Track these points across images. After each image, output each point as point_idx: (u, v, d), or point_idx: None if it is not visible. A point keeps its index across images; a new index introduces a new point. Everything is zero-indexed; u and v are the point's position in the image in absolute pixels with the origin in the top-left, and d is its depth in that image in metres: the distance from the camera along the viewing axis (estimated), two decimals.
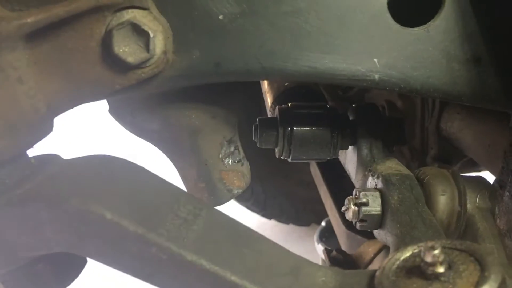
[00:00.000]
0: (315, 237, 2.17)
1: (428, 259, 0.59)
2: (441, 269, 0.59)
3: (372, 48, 0.83)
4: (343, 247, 1.65)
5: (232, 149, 1.12)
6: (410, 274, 0.62)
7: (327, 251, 1.54)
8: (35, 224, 0.72)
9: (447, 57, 0.83)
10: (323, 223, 2.22)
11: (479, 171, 1.74)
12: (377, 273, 0.65)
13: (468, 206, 0.94)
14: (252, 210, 2.78)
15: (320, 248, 1.90)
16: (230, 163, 1.12)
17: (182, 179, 1.14)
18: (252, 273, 0.68)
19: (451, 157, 1.67)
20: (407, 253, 0.66)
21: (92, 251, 0.72)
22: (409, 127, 1.73)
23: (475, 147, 1.45)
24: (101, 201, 0.71)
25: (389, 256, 0.67)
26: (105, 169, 0.78)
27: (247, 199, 2.69)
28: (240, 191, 1.14)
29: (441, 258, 0.59)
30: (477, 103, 0.89)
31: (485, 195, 0.95)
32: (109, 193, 0.73)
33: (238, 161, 1.13)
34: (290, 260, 0.73)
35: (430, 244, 0.61)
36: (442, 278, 0.59)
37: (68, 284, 0.84)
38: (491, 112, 1.36)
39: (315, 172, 1.85)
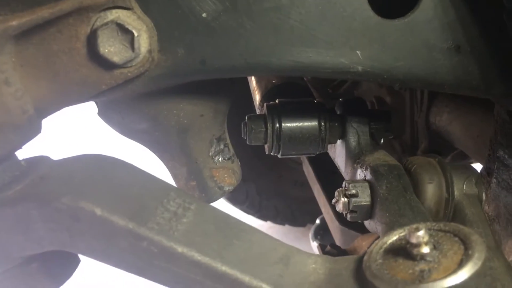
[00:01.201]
0: (310, 235, 2.18)
1: (413, 240, 0.61)
2: (426, 250, 0.61)
3: (354, 40, 0.84)
4: (338, 242, 1.65)
5: (221, 146, 1.13)
6: (397, 256, 0.63)
7: (321, 247, 1.55)
8: (27, 224, 0.73)
9: (428, 47, 0.84)
10: (317, 221, 2.22)
11: (470, 163, 1.75)
12: (365, 257, 0.66)
13: (456, 193, 0.95)
14: (248, 213, 2.79)
15: (315, 245, 1.91)
16: (220, 161, 1.13)
17: (173, 177, 1.15)
18: (242, 263, 0.69)
19: (442, 150, 1.69)
20: (394, 237, 0.67)
21: (83, 248, 0.73)
22: (398, 122, 1.75)
23: (464, 139, 1.47)
24: (91, 198, 0.71)
25: (377, 241, 0.68)
26: (94, 167, 0.79)
27: (242, 202, 2.70)
28: (231, 188, 1.15)
29: (426, 238, 0.61)
30: (458, 91, 0.90)
31: (471, 181, 0.96)
32: (99, 190, 0.74)
33: (228, 159, 1.14)
34: (280, 249, 0.74)
35: (415, 226, 0.62)
36: (428, 258, 0.61)
37: (62, 284, 0.85)
38: (478, 104, 1.38)
39: (308, 170, 1.86)
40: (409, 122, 1.72)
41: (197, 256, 0.68)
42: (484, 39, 0.85)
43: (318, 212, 1.89)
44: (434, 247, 0.61)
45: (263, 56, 0.84)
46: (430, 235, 0.63)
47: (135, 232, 0.69)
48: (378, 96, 1.79)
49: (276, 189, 2.67)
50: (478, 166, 1.20)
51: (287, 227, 2.87)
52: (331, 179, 1.62)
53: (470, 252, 0.59)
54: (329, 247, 1.54)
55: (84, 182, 0.75)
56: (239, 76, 0.92)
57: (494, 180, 1.01)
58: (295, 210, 2.74)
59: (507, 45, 0.83)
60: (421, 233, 0.60)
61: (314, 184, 1.77)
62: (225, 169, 1.14)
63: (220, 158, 1.13)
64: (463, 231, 0.63)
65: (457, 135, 1.50)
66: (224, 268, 0.68)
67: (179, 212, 0.73)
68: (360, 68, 0.85)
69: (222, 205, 2.67)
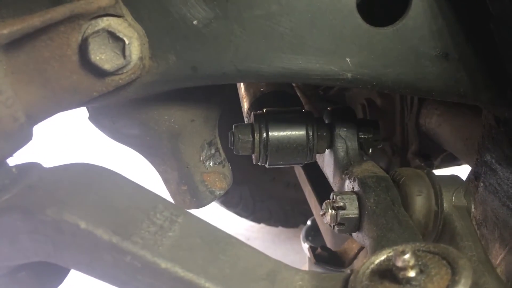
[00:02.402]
0: (301, 236, 2.18)
1: (399, 263, 0.60)
2: (412, 273, 0.59)
3: (344, 48, 0.84)
4: (329, 244, 1.66)
5: (212, 151, 1.12)
6: (383, 278, 0.62)
7: (312, 249, 1.56)
8: (13, 234, 0.72)
9: (416, 54, 0.85)
10: (308, 222, 2.23)
11: (459, 165, 1.76)
12: (351, 277, 0.65)
13: (445, 205, 0.94)
14: (241, 216, 2.79)
15: (306, 246, 1.92)
16: (211, 165, 1.13)
17: (164, 182, 1.14)
18: (227, 279, 0.68)
19: (431, 152, 1.70)
20: (382, 257, 0.66)
21: (68, 260, 0.72)
22: (389, 124, 1.75)
23: (453, 141, 1.47)
24: (76, 210, 0.71)
25: (364, 260, 0.67)
26: (83, 178, 0.78)
27: (236, 205, 2.70)
28: (222, 192, 1.15)
29: (412, 262, 0.60)
30: (446, 97, 0.91)
31: (460, 193, 0.95)
32: (85, 202, 0.73)
33: (219, 163, 1.14)
34: (267, 265, 0.73)
35: (401, 248, 0.61)
36: (413, 282, 0.60)
37: None
38: (468, 107, 1.39)
39: (299, 172, 1.86)
40: (399, 124, 1.73)
41: (181, 272, 0.67)
42: (471, 46, 0.86)
43: (311, 213, 1.89)
44: (421, 271, 0.60)
45: (253, 62, 0.84)
46: (418, 257, 0.62)
47: (118, 247, 0.68)
48: (369, 98, 1.80)
49: (269, 191, 2.67)
50: (466, 169, 1.21)
51: (278, 227, 2.87)
52: (322, 181, 1.62)
53: (457, 277, 0.58)
54: (319, 250, 1.55)
55: (71, 192, 0.75)
56: (229, 83, 0.91)
57: (482, 184, 1.01)
58: (288, 212, 2.75)
59: (494, 52, 0.84)
60: (407, 256, 0.59)
61: (306, 186, 1.77)
62: (216, 173, 1.13)
63: (211, 163, 1.12)
64: (452, 254, 0.62)
65: (446, 137, 1.51)
66: (208, 284, 0.67)
67: (165, 225, 0.73)
68: (349, 75, 0.86)
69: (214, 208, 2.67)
